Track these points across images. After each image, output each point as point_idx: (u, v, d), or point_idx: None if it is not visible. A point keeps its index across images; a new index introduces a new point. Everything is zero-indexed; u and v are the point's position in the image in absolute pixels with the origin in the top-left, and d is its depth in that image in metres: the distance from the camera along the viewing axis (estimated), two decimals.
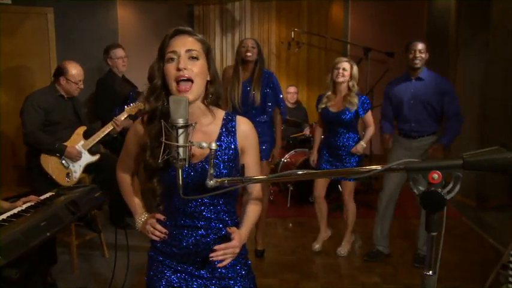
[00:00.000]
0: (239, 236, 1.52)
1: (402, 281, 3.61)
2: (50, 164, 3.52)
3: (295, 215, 5.16)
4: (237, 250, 1.51)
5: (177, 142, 1.34)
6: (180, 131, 1.34)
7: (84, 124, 3.80)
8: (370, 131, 3.87)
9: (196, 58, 1.47)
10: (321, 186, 4.01)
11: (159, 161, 1.38)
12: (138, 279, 3.60)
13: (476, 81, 5.27)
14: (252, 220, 1.64)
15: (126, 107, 3.94)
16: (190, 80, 1.45)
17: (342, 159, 3.84)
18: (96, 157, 3.72)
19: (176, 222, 1.59)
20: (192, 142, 1.36)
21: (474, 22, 5.38)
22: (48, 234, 2.52)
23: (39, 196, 2.77)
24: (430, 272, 1.24)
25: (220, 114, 1.60)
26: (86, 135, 3.73)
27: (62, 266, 3.67)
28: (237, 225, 1.64)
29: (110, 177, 3.75)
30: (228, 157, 1.54)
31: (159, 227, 1.60)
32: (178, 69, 1.44)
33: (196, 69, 1.46)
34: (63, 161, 3.56)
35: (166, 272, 1.63)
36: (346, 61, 3.77)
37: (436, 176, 1.16)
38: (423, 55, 3.64)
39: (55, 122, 3.61)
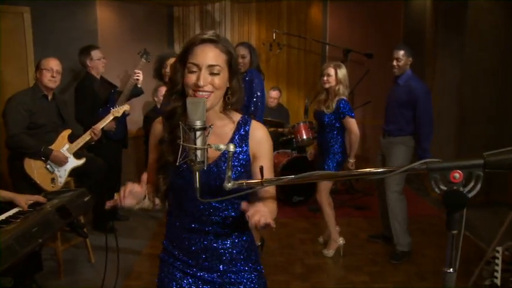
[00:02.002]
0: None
1: (389, 279, 3.66)
2: (34, 168, 3.40)
3: (279, 216, 5.15)
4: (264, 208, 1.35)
5: (195, 144, 1.32)
6: (198, 133, 1.31)
7: (69, 127, 3.69)
8: (352, 140, 3.85)
9: (217, 74, 1.45)
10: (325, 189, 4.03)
11: (177, 163, 1.35)
12: (126, 284, 3.55)
13: (454, 82, 5.41)
14: (268, 207, 1.45)
15: (111, 108, 3.86)
16: (209, 92, 1.44)
17: (324, 158, 3.93)
18: (82, 161, 3.64)
19: (184, 225, 1.58)
20: (209, 144, 1.34)
21: (450, 25, 5.52)
22: (40, 240, 2.45)
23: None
24: (451, 270, 1.26)
25: (236, 117, 1.58)
26: (71, 139, 3.63)
27: (48, 272, 3.57)
28: (247, 231, 1.63)
29: (94, 181, 3.73)
30: (239, 162, 1.53)
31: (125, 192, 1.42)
32: (198, 85, 1.42)
33: (216, 83, 1.45)
34: (48, 166, 3.46)
35: (177, 274, 1.61)
36: (331, 66, 3.85)
37: (457, 175, 1.18)
38: (400, 63, 3.85)
39: (39, 125, 3.50)
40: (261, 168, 1.42)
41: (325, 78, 3.79)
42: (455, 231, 1.24)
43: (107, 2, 5.53)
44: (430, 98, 3.92)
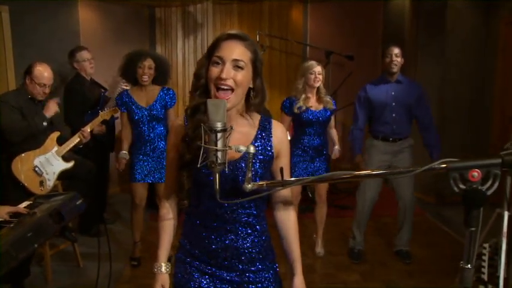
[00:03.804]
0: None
1: (380, 277, 3.72)
2: (21, 171, 3.32)
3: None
4: None
5: (216, 146, 1.31)
6: (219, 135, 1.31)
7: (58, 129, 3.62)
8: (335, 133, 4.11)
9: (241, 68, 1.46)
10: (323, 190, 4.08)
11: (198, 165, 1.35)
12: (117, 287, 3.50)
13: (434, 83, 5.53)
14: (299, 251, 1.70)
15: (100, 111, 3.81)
16: (230, 89, 1.45)
17: (313, 159, 3.90)
18: (70, 164, 3.56)
19: (206, 223, 1.57)
20: (229, 146, 1.34)
21: (430, 26, 5.64)
22: (35, 245, 2.39)
23: (13, 205, 2.64)
24: (469, 266, 1.29)
25: (257, 117, 1.60)
26: (60, 141, 3.56)
27: (35, 278, 3.50)
28: (266, 231, 1.64)
29: (83, 184, 3.66)
30: (264, 157, 1.54)
31: None
32: (221, 78, 1.43)
33: (238, 79, 1.45)
34: (37, 169, 3.38)
35: (195, 274, 1.60)
36: (318, 65, 3.82)
37: (475, 174, 1.21)
38: (399, 59, 3.75)
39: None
40: (281, 170, 1.43)
41: (316, 75, 3.74)
42: (473, 229, 1.27)
43: (89, 2, 5.45)
44: None
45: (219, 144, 1.31)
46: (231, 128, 1.35)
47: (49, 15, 4.95)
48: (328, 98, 3.85)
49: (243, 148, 1.35)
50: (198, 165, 1.35)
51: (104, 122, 3.93)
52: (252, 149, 1.35)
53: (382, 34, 6.81)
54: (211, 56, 1.47)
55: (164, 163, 3.63)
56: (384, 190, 4.07)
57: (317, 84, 3.77)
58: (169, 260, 1.69)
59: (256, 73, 1.52)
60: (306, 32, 6.80)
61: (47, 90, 3.50)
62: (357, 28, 6.70)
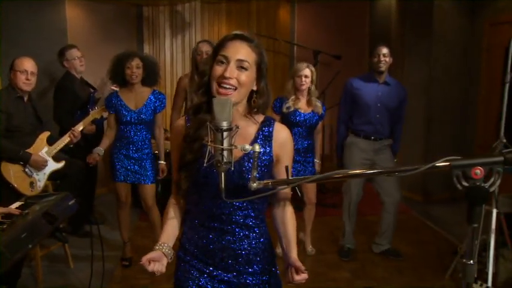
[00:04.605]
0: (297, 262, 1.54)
1: (370, 275, 3.77)
2: (11, 172, 3.26)
3: None
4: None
5: (222, 145, 1.31)
6: (225, 134, 1.31)
7: (47, 129, 3.57)
8: (319, 140, 4.05)
9: (245, 69, 1.46)
10: (312, 193, 4.08)
11: (205, 164, 1.35)
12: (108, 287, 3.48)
13: (421, 83, 5.61)
14: (295, 237, 1.68)
15: (91, 110, 3.77)
16: (233, 88, 1.45)
17: (302, 162, 3.88)
18: (61, 164, 3.52)
19: (204, 223, 1.57)
20: (235, 145, 1.34)
21: (417, 26, 5.71)
22: (30, 246, 2.35)
23: (4, 206, 2.60)
24: (471, 261, 1.32)
25: (259, 118, 1.59)
26: (50, 141, 3.51)
27: (25, 279, 3.45)
28: (265, 233, 1.65)
29: (73, 184, 3.62)
30: (262, 162, 1.53)
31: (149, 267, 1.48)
32: (224, 77, 1.43)
33: (242, 79, 1.46)
34: (27, 170, 3.33)
35: (194, 273, 1.61)
36: (307, 67, 3.79)
37: (478, 171, 1.23)
38: (387, 59, 3.78)
39: (16, 127, 3.35)
40: (287, 168, 1.44)
41: (303, 79, 3.74)
42: (476, 225, 1.29)
43: (76, 0, 5.39)
44: None
45: (225, 143, 1.31)
46: (237, 127, 1.35)
47: (35, 13, 4.88)
48: (318, 103, 3.84)
49: (248, 147, 1.35)
50: (204, 165, 1.36)
51: (93, 121, 3.89)
52: (257, 148, 1.35)
53: (369, 34, 6.87)
54: (216, 55, 1.48)
55: (147, 166, 3.70)
56: (369, 189, 4.12)
57: (303, 88, 3.76)
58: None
59: (260, 75, 1.53)
60: (293, 32, 6.82)
61: (30, 77, 3.41)
62: (343, 28, 6.75)
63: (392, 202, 3.96)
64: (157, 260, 1.49)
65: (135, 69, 3.57)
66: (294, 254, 1.59)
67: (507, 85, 3.23)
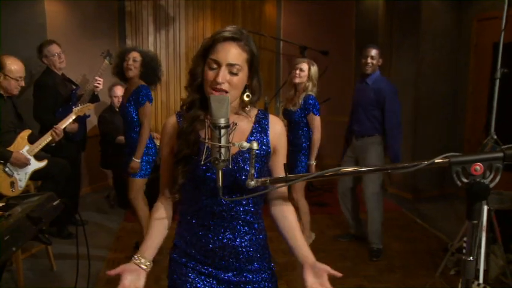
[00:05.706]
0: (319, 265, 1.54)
1: (361, 273, 3.73)
2: None
3: None
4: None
5: (220, 142, 1.28)
6: (223, 131, 1.28)
7: (28, 127, 3.44)
8: (314, 140, 3.76)
9: (236, 74, 1.43)
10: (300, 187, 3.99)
11: (202, 162, 1.31)
12: None
13: (409, 81, 5.61)
14: (303, 240, 1.64)
15: (74, 107, 3.65)
16: (226, 91, 1.43)
17: (296, 155, 3.84)
18: (43, 163, 3.40)
19: (202, 222, 1.52)
20: (233, 143, 1.31)
21: (405, 25, 5.71)
22: (14, 249, 2.26)
23: None
24: (471, 258, 1.28)
25: (253, 111, 1.57)
26: (31, 140, 3.38)
27: (5, 284, 3.32)
28: (263, 230, 1.61)
29: (57, 184, 3.51)
30: (261, 152, 1.51)
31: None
32: (217, 82, 1.41)
33: (234, 82, 1.43)
34: (7, 169, 3.20)
35: (190, 275, 1.56)
36: (305, 62, 3.78)
37: (478, 168, 1.22)
38: (374, 61, 3.85)
39: None
40: (285, 165, 1.42)
41: (297, 72, 3.69)
42: (475, 221, 1.26)
43: None
44: (398, 99, 3.97)
45: (223, 140, 1.29)
46: (235, 124, 1.32)
47: (13, 7, 4.70)
48: (300, 99, 3.73)
49: (246, 144, 1.33)
50: (202, 162, 1.32)
51: (76, 119, 3.76)
52: (255, 146, 1.33)
53: (355, 30, 6.86)
54: (206, 57, 1.45)
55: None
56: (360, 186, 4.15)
57: (296, 81, 3.74)
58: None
59: (252, 72, 1.50)
60: (279, 27, 6.77)
61: (22, 83, 3.39)
62: (330, 25, 6.73)
63: (366, 194, 3.99)
64: (130, 274, 1.50)
65: (131, 61, 3.53)
66: (311, 256, 1.58)
67: (497, 81, 3.22)
